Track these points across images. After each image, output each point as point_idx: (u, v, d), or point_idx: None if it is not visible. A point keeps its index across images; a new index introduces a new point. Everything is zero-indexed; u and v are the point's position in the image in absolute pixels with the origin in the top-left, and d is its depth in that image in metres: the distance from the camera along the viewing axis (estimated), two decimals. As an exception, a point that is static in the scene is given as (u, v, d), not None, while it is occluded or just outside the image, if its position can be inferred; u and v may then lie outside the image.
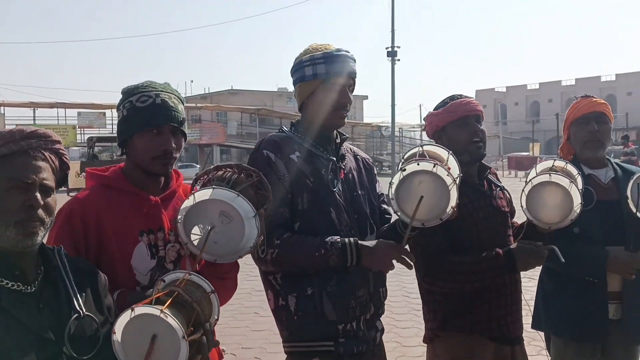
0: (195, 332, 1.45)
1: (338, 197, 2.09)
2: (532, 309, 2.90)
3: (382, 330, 2.25)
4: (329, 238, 1.98)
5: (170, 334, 1.36)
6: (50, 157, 1.51)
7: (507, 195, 2.64)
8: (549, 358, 2.87)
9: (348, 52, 2.17)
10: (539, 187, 2.35)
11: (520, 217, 2.57)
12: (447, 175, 1.91)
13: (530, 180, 2.37)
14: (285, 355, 2.15)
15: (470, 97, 2.55)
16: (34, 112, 34.68)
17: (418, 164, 1.95)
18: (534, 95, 74.05)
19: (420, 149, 2.12)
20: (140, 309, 1.37)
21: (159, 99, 1.91)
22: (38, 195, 1.43)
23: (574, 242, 2.69)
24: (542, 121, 62.09)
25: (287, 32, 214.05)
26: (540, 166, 2.56)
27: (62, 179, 1.57)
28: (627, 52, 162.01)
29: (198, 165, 35.78)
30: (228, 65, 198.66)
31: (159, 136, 1.89)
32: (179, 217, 1.70)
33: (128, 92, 1.94)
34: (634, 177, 2.60)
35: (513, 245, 2.37)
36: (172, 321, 1.35)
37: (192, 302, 1.47)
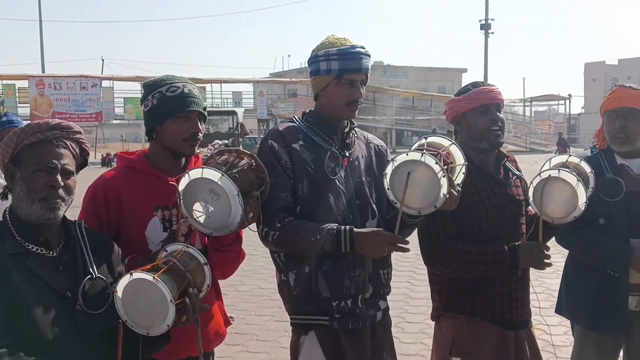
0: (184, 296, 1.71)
1: (338, 183, 2.24)
2: (541, 296, 2.94)
3: (386, 310, 2.39)
4: (326, 225, 2.12)
5: (160, 297, 1.62)
6: (71, 145, 1.78)
7: (525, 184, 2.68)
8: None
9: (363, 48, 2.28)
10: (548, 181, 2.39)
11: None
12: (436, 163, 2.01)
13: (539, 173, 2.42)
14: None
15: (493, 86, 2.56)
16: (141, 86, 36.69)
17: (407, 154, 2.06)
18: (649, 68, 68.73)
19: (424, 139, 2.24)
20: (137, 274, 1.64)
21: (186, 89, 2.17)
22: (59, 177, 1.71)
23: (599, 233, 2.70)
24: (658, 96, 57.35)
25: (381, 4, 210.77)
26: (555, 160, 2.58)
27: (83, 163, 1.86)
28: None
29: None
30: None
31: (188, 121, 2.15)
32: (180, 194, 1.97)
33: (154, 85, 2.19)
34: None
35: (520, 242, 2.43)
36: (162, 286, 1.61)
37: (185, 271, 1.72)
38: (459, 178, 2.19)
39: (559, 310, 2.97)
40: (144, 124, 2.24)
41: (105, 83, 35.47)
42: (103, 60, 52.69)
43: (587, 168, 2.54)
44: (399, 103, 43.88)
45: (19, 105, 32.64)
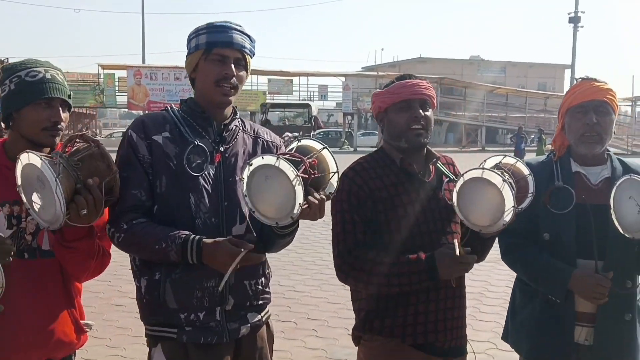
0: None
1: (203, 182, 2.03)
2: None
3: (258, 323, 2.15)
4: (176, 232, 1.92)
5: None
6: None
7: None
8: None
9: (238, 25, 2.08)
10: (473, 183, 2.06)
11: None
12: (291, 169, 1.78)
13: (462, 174, 2.09)
14: None
15: (422, 80, 2.28)
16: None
17: (262, 158, 1.83)
18: None
19: (296, 142, 2.02)
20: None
21: (48, 74, 2.02)
22: None
23: (542, 251, 2.33)
24: None
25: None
26: (490, 162, 2.23)
27: None
28: None
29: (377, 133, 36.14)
30: (418, 33, 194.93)
31: (48, 109, 2.01)
32: (18, 182, 1.82)
33: (12, 69, 2.05)
34: (617, 183, 2.15)
35: (439, 250, 2.11)
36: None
37: None
38: (330, 187, 1.96)
39: (505, 337, 2.60)
40: (0, 110, 2.12)
41: (197, 74, 36.68)
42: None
43: (525, 170, 2.20)
44: (492, 99, 42.22)
45: (117, 94, 34.56)
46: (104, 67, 35.30)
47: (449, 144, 41.03)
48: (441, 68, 48.86)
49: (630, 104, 44.95)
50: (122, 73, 34.66)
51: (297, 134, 17.09)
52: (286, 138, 18.92)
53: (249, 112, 34.46)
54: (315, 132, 19.86)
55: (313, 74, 37.21)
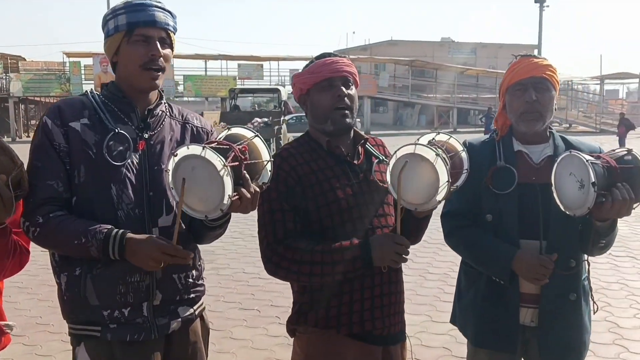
0: None
1: (126, 171, 1.93)
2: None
3: (190, 317, 2.07)
4: (97, 226, 1.82)
5: None
6: None
7: None
8: None
9: (158, 2, 1.97)
10: (403, 159, 1.96)
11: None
12: (218, 159, 1.68)
13: (395, 152, 2.00)
14: None
15: (342, 57, 2.19)
16: (206, 64, 37.00)
17: (188, 147, 1.73)
18: None
19: (227, 131, 1.91)
20: None
21: None
22: None
23: (485, 232, 2.29)
24: None
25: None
26: (423, 139, 2.15)
27: None
28: None
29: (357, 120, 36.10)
30: (389, 16, 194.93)
31: None
32: None
33: None
34: (558, 160, 2.10)
35: (373, 235, 2.05)
36: None
37: None
38: (264, 176, 1.87)
39: (453, 321, 2.56)
40: None
41: (166, 61, 36.08)
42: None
43: (459, 146, 2.13)
44: (463, 81, 42.39)
45: (84, 82, 33.83)
46: (69, 55, 34.56)
47: (421, 126, 41.16)
48: (412, 50, 48.83)
49: (598, 82, 45.54)
50: (88, 61, 33.94)
51: (266, 119, 16.82)
52: (255, 124, 18.55)
53: (220, 98, 34.13)
54: (287, 118, 19.57)
55: (284, 59, 36.89)
